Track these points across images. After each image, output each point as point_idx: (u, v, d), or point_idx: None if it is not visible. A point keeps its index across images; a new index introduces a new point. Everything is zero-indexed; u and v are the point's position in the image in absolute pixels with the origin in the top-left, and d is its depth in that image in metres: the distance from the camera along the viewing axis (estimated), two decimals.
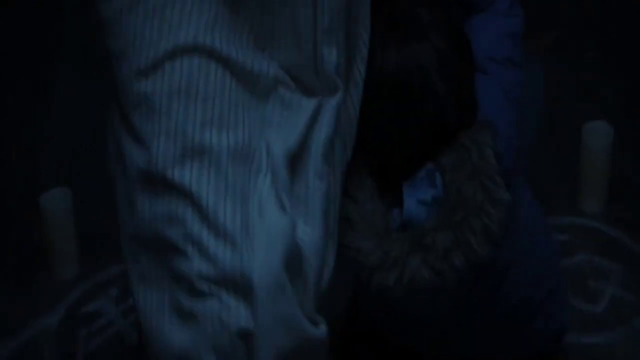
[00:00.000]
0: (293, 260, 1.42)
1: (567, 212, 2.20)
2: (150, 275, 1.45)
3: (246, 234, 1.40)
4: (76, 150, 2.34)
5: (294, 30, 1.46)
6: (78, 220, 2.14)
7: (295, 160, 1.47)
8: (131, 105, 1.43)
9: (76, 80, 2.47)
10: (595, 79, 2.52)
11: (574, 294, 2.03)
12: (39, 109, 2.47)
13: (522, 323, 1.75)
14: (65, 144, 2.34)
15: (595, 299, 2.07)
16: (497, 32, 1.70)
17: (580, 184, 2.25)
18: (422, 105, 1.56)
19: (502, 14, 1.72)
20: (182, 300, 1.41)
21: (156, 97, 1.41)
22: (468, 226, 1.53)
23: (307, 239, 1.45)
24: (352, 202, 1.59)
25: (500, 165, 1.57)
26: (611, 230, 2.20)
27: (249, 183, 1.42)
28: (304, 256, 1.44)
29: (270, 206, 1.42)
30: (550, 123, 2.25)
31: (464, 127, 1.59)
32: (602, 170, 2.22)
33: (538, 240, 1.73)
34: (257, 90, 1.45)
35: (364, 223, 1.57)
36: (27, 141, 2.39)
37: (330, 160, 1.50)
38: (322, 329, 1.44)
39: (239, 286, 1.38)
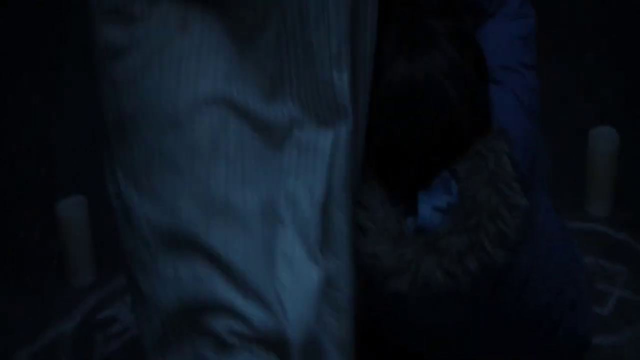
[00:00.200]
0: (326, 304, 1.43)
1: (573, 216, 2.22)
2: (171, 335, 1.41)
3: (277, 292, 1.38)
4: (92, 159, 2.37)
5: (308, 60, 1.43)
6: (94, 228, 2.17)
7: (322, 203, 1.45)
8: (148, 165, 1.39)
9: (94, 89, 2.51)
10: (597, 80, 2.54)
11: None
12: (55, 117, 2.50)
13: (542, 334, 1.73)
14: (82, 153, 2.37)
15: (602, 301, 2.10)
16: (507, 38, 1.68)
17: (587, 189, 2.28)
18: (435, 114, 1.55)
19: (512, 16, 1.70)
20: (210, 356, 1.38)
21: (178, 157, 1.37)
22: (483, 230, 1.52)
23: (337, 270, 1.45)
24: (363, 210, 1.57)
25: (517, 172, 1.56)
26: (617, 234, 2.23)
27: (274, 238, 1.40)
28: (337, 288, 1.45)
29: (299, 260, 1.40)
30: (556, 126, 2.28)
31: (479, 135, 1.58)
32: (608, 175, 2.25)
33: (557, 248, 1.72)
34: (273, 140, 1.42)
35: (377, 228, 1.56)
36: (44, 149, 2.43)
37: (349, 188, 1.49)
38: None
39: (272, 342, 1.37)
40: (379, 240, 1.55)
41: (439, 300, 1.57)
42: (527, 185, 1.58)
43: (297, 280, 1.40)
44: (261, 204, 1.39)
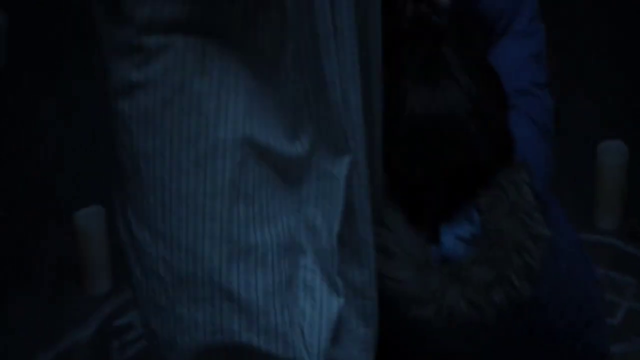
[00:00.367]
0: (353, 312, 1.44)
1: (583, 229, 2.25)
2: None
3: (299, 325, 1.38)
4: (110, 170, 2.41)
5: (320, 88, 1.41)
6: (111, 238, 2.21)
7: (339, 231, 1.44)
8: (163, 206, 1.36)
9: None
10: (606, 94, 2.58)
11: None
12: (73, 128, 2.54)
13: (562, 351, 1.71)
14: (100, 163, 2.41)
15: (612, 312, 2.13)
16: (519, 58, 1.66)
17: (596, 201, 2.31)
18: (454, 147, 1.54)
19: (521, 35, 1.69)
20: None
21: (199, 198, 1.35)
22: (509, 263, 1.52)
23: (362, 279, 1.46)
24: (387, 231, 1.56)
25: (538, 201, 1.55)
26: (626, 246, 2.26)
27: (296, 268, 1.40)
28: (364, 297, 1.45)
29: (320, 289, 1.40)
30: (564, 139, 2.31)
31: (501, 166, 1.56)
32: (618, 188, 2.28)
33: (576, 265, 1.70)
34: (292, 173, 1.41)
35: (403, 253, 1.55)
36: (63, 160, 2.47)
37: (369, 202, 1.48)
38: None
39: None
40: (405, 265, 1.54)
41: (462, 329, 1.55)
42: (546, 207, 1.57)
43: (318, 311, 1.40)
44: (281, 238, 1.38)
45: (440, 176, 1.55)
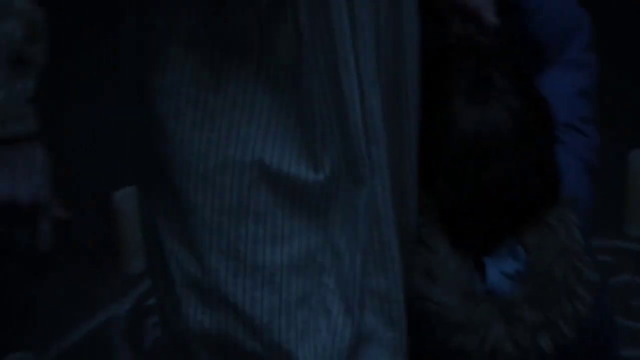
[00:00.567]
0: (380, 318, 1.43)
1: (611, 235, 2.28)
2: None
3: (308, 347, 1.38)
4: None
5: (342, 106, 1.36)
6: None
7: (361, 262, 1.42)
8: (179, 213, 1.38)
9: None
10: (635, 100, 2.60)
11: (618, 312, 2.10)
12: (109, 112, 2.58)
13: None
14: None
15: (638, 316, 2.16)
16: (567, 91, 1.61)
17: (625, 209, 2.34)
18: (500, 170, 1.49)
19: (572, 65, 1.63)
20: None
21: (207, 211, 1.35)
22: (559, 308, 1.48)
23: (388, 284, 1.43)
24: (430, 252, 1.51)
25: (586, 243, 1.52)
26: None
27: (314, 290, 1.39)
28: (390, 301, 1.43)
29: (336, 312, 1.39)
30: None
31: (547, 200, 1.52)
32: None
33: (602, 299, 1.64)
34: (313, 199, 1.38)
35: (447, 277, 1.50)
36: (102, 141, 2.51)
37: (392, 211, 1.44)
38: None
39: None
40: (449, 290, 1.50)
41: None
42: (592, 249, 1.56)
43: (332, 333, 1.39)
44: (295, 259, 1.37)
45: (484, 200, 1.50)
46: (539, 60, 1.65)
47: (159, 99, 1.35)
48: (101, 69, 2.61)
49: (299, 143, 1.35)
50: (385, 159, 1.40)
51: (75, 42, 2.68)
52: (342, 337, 1.39)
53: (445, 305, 1.48)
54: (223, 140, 1.33)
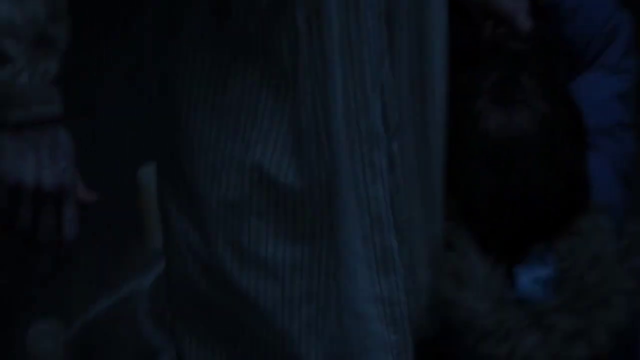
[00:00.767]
0: (384, 323, 1.44)
1: None
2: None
3: (314, 339, 1.41)
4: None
5: (330, 110, 1.36)
6: None
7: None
8: (190, 198, 1.41)
9: None
10: None
11: None
12: (135, 93, 2.66)
13: None
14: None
15: None
16: (605, 95, 1.57)
17: None
18: (523, 174, 1.47)
19: (611, 70, 1.59)
20: None
21: (213, 202, 1.39)
22: (596, 317, 1.44)
23: (390, 287, 1.43)
24: (461, 258, 1.48)
25: (620, 250, 1.48)
26: None
27: (315, 292, 1.40)
28: (393, 303, 1.43)
29: (339, 316, 1.41)
30: None
31: (577, 210, 1.49)
32: None
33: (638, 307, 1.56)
34: (310, 210, 1.39)
35: (478, 283, 1.47)
36: (127, 120, 2.60)
37: (391, 213, 1.43)
38: None
39: None
40: (480, 296, 1.46)
41: None
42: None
43: (336, 336, 1.42)
44: (298, 259, 1.39)
45: (506, 206, 1.48)
46: (574, 64, 1.61)
47: (176, 89, 1.38)
48: (125, 48, 2.70)
49: (293, 151, 1.36)
50: (386, 163, 1.39)
51: (99, 23, 2.74)
52: (346, 341, 1.41)
53: (475, 311, 1.45)
54: (229, 140, 1.36)
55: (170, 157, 1.42)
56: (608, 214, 1.50)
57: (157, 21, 1.40)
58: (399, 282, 1.43)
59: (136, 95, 2.62)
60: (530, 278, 1.49)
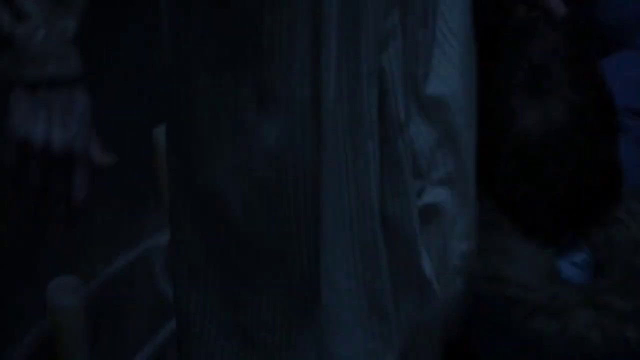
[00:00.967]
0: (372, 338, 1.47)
1: None
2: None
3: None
4: None
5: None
6: None
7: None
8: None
9: None
10: None
11: None
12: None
13: None
14: None
15: None
16: (636, 76, 1.59)
17: None
18: (557, 166, 1.47)
19: None
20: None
21: (208, 176, 1.42)
22: None
23: (373, 279, 1.43)
24: (507, 235, 1.48)
25: None
26: None
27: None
28: (374, 296, 1.43)
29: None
30: None
31: (610, 199, 1.51)
32: None
33: None
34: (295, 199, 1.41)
35: (527, 258, 1.45)
36: (145, 84, 2.42)
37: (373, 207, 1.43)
38: None
39: None
40: (529, 271, 1.44)
41: (583, 355, 1.44)
42: None
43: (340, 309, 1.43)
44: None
45: (542, 198, 1.48)
46: (607, 48, 1.63)
47: (183, 62, 1.37)
48: (142, 8, 2.42)
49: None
50: (379, 154, 1.37)
51: None
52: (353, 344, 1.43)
53: (525, 285, 1.41)
54: (249, 131, 1.36)
55: (179, 120, 1.43)
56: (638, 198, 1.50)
57: None
58: (382, 273, 1.42)
59: (152, 56, 2.47)
60: (570, 262, 1.50)
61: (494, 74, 1.47)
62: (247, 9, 1.28)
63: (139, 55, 2.61)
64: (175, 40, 1.38)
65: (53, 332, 2.03)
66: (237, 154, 1.39)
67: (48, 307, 2.07)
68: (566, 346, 1.41)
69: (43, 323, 2.16)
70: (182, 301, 1.50)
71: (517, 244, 1.44)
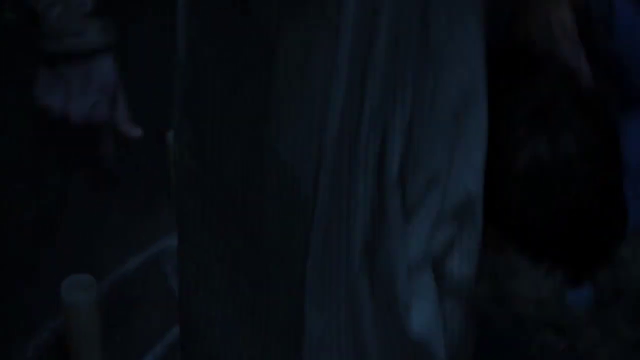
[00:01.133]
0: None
1: None
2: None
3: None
4: None
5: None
6: None
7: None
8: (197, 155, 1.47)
9: None
10: None
11: None
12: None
13: None
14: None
15: None
16: None
17: None
18: (564, 203, 1.44)
19: None
20: None
21: (214, 158, 1.45)
22: None
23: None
24: (515, 255, 1.49)
25: None
26: None
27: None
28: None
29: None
30: None
31: (618, 234, 1.49)
32: None
33: None
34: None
35: (534, 276, 1.50)
36: (156, 85, 2.45)
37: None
38: None
39: None
40: (538, 288, 1.48)
41: None
42: None
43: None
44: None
45: (551, 225, 1.46)
46: (625, 87, 1.59)
47: (198, 65, 1.38)
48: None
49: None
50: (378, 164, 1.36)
51: None
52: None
53: (534, 302, 1.44)
54: (262, 128, 1.35)
55: (185, 112, 1.46)
56: None
57: None
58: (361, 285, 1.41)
59: (166, 57, 2.50)
60: (576, 294, 1.52)
61: (502, 102, 1.45)
62: (265, 20, 1.30)
63: (152, 56, 2.64)
64: (190, 42, 1.40)
65: (66, 330, 2.04)
66: (249, 156, 1.40)
67: (61, 304, 2.09)
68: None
69: (55, 322, 2.18)
70: (188, 301, 1.51)
71: (525, 267, 1.46)
